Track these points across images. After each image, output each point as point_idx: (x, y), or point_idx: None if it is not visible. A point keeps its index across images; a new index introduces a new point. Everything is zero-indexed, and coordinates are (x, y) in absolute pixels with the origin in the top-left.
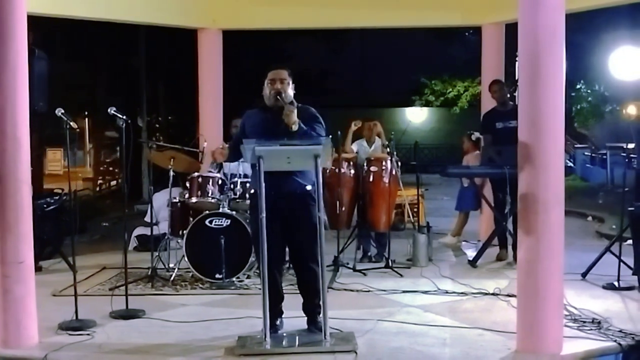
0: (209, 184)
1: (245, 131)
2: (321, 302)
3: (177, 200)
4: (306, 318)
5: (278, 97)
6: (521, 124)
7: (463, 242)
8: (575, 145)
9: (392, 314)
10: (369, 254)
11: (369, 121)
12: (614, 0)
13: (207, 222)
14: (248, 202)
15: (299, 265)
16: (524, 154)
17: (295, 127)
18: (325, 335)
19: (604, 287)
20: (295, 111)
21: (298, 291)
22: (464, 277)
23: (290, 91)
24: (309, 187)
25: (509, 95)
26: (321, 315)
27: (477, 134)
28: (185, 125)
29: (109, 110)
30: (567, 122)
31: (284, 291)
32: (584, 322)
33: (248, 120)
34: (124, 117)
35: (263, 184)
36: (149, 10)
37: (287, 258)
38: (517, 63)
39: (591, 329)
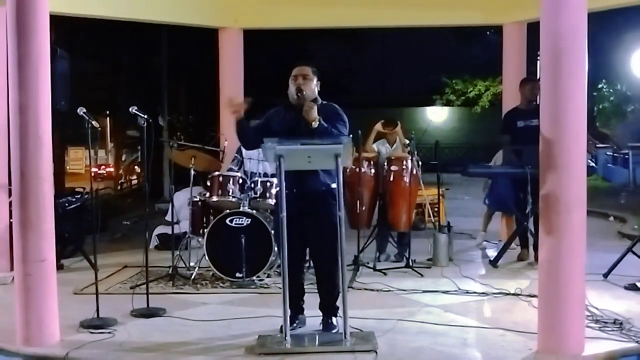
0: (229, 183)
1: (270, 125)
2: (338, 304)
3: (198, 199)
4: (321, 317)
5: (299, 94)
6: (543, 123)
7: (484, 242)
8: (597, 145)
9: (413, 314)
10: (384, 252)
11: (390, 125)
12: (636, 0)
13: (227, 221)
14: (269, 201)
15: (318, 264)
16: (545, 154)
17: (315, 124)
18: (345, 334)
19: (625, 288)
20: (315, 108)
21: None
22: (484, 277)
23: (314, 88)
24: (334, 185)
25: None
26: (336, 317)
27: None
28: (205, 125)
29: (130, 109)
30: (589, 121)
31: (306, 290)
32: (606, 322)
33: (275, 116)
34: (146, 116)
35: (283, 183)
36: (170, 10)
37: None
38: (538, 62)
39: (613, 330)
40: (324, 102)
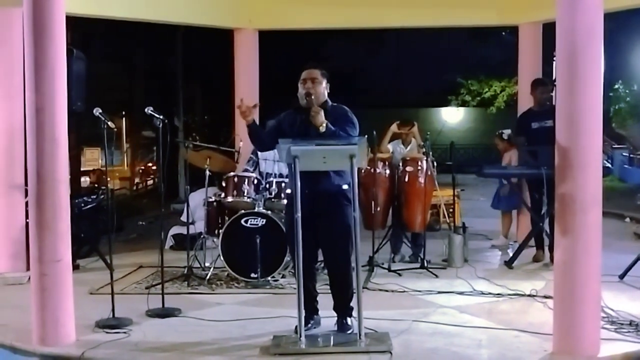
0: (244, 184)
1: (281, 128)
2: (352, 305)
3: (213, 200)
4: (336, 318)
5: (307, 98)
6: (559, 124)
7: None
8: (613, 146)
9: (427, 315)
10: (399, 253)
11: (406, 126)
12: None
13: (242, 221)
14: (284, 201)
15: (330, 265)
16: (561, 155)
17: (323, 129)
18: (360, 335)
19: None
20: (322, 113)
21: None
22: (499, 278)
23: (324, 91)
24: (345, 187)
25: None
26: (351, 317)
27: (507, 132)
28: (221, 125)
29: (146, 110)
30: (605, 122)
31: (319, 291)
32: (622, 324)
33: (286, 119)
34: (161, 116)
35: (298, 183)
36: (186, 11)
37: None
38: (554, 63)
39: (629, 331)
40: (334, 104)
